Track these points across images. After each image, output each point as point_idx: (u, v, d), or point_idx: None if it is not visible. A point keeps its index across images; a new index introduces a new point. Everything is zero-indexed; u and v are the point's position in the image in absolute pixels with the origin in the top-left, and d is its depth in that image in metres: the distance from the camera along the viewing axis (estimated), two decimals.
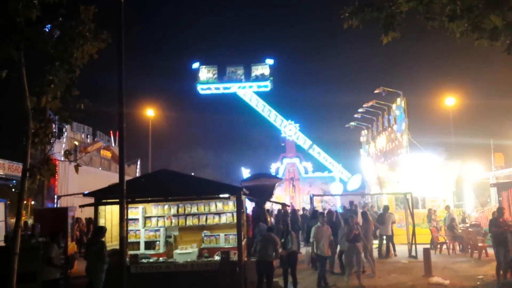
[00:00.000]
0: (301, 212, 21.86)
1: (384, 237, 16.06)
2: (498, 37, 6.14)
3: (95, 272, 9.15)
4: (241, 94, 39.60)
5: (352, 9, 6.35)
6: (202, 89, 40.19)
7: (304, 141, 39.87)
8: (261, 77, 39.63)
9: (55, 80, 5.69)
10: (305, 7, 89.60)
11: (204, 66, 40.09)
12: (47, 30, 5.69)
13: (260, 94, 39.69)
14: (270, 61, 39.98)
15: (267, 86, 39.76)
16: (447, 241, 16.71)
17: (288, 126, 39.61)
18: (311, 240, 11.42)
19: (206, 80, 39.89)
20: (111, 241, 11.41)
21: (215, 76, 39.96)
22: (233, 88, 39.83)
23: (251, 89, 39.77)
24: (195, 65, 40.05)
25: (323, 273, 11.24)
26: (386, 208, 17.01)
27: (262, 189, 14.92)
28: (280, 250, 10.18)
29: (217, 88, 40.08)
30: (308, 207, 23.54)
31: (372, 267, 12.74)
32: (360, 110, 32.27)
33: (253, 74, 39.80)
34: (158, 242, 12.02)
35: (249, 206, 17.54)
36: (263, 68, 39.82)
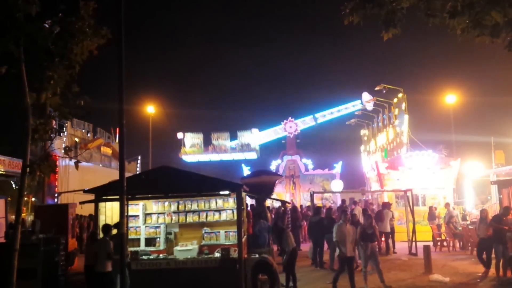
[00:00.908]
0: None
1: (383, 234, 16.07)
2: (499, 34, 6.13)
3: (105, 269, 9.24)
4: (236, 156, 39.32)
5: (353, 5, 6.34)
6: (185, 157, 39.78)
7: (306, 123, 39.98)
8: (247, 147, 39.31)
9: (54, 76, 5.68)
10: (304, 1, 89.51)
11: (189, 134, 39.65)
12: (47, 26, 5.68)
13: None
14: (255, 131, 39.74)
15: (254, 156, 39.76)
16: (447, 238, 16.73)
17: (288, 123, 39.64)
18: (334, 239, 10.56)
19: (192, 150, 39.38)
20: None
21: (201, 143, 39.50)
22: (220, 157, 39.62)
23: (238, 158, 39.57)
24: (180, 135, 39.51)
25: (343, 275, 10.50)
26: (383, 205, 17.05)
27: (262, 186, 14.93)
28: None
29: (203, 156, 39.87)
30: (308, 204, 23.59)
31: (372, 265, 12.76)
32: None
33: (238, 141, 39.42)
34: (158, 239, 12.02)
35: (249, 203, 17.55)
36: (249, 136, 39.50)
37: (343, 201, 20.26)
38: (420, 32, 28.36)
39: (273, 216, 17.77)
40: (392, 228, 16.42)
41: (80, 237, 18.29)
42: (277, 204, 24.18)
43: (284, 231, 10.95)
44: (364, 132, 37.44)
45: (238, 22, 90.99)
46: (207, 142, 39.56)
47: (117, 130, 12.71)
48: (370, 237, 10.89)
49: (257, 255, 10.71)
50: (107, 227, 9.67)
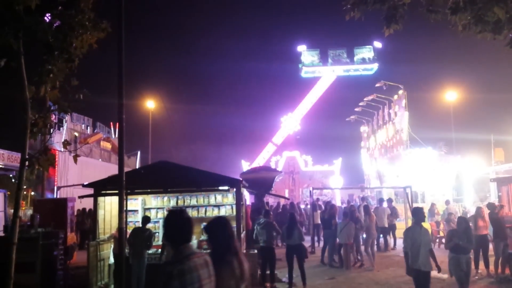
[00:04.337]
0: (302, 205, 22.01)
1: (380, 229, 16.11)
2: (501, 30, 6.10)
3: (141, 257, 9.57)
4: None
5: (355, 0, 6.31)
6: (306, 72, 40.23)
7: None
8: (368, 61, 39.39)
9: (54, 70, 5.64)
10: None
11: (306, 50, 40.09)
12: (47, 20, 5.64)
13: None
14: (378, 44, 39.45)
15: (372, 69, 39.65)
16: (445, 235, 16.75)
17: (289, 119, 39.62)
18: (403, 249, 7.78)
19: (311, 62, 39.89)
20: (111, 232, 11.42)
21: (318, 59, 39.98)
22: (338, 71, 39.78)
23: (356, 72, 39.78)
24: (301, 48, 39.95)
25: None
26: (380, 200, 17.16)
27: (261, 182, 14.91)
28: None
29: (321, 72, 40.14)
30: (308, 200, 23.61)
31: (372, 261, 12.78)
32: (361, 103, 32.24)
33: (356, 58, 39.55)
34: (157, 234, 12.02)
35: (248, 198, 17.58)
36: (369, 52, 39.50)
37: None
38: (421, 28, 28.25)
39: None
40: (393, 225, 16.47)
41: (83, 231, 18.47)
42: (275, 201, 24.22)
43: (296, 225, 11.00)
44: (363, 128, 37.40)
45: (241, 13, 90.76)
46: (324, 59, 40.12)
47: (117, 125, 12.70)
48: (462, 248, 8.79)
49: (255, 251, 10.76)
50: (148, 218, 10.22)
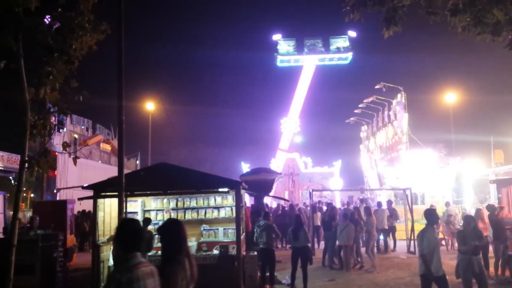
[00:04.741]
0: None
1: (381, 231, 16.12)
2: (500, 32, 6.11)
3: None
4: None
5: (354, 2, 6.32)
6: (281, 61, 40.12)
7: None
8: (343, 50, 39.36)
9: (53, 72, 5.64)
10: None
11: (282, 39, 40.00)
12: (46, 21, 5.64)
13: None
14: (352, 33, 39.52)
15: (347, 58, 39.68)
16: (445, 237, 16.74)
17: (289, 121, 39.60)
18: (419, 252, 7.42)
19: (286, 52, 39.81)
20: (110, 234, 11.40)
21: (294, 49, 39.86)
22: (313, 60, 39.61)
23: (331, 61, 39.81)
24: (276, 37, 39.82)
25: None
26: (379, 203, 17.19)
27: (261, 183, 14.90)
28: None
29: (297, 61, 40.02)
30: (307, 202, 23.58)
31: (373, 262, 12.77)
32: (360, 105, 32.25)
33: (331, 47, 39.59)
34: (157, 236, 11.98)
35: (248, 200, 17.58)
36: (344, 42, 39.55)
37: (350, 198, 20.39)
38: (421, 30, 28.30)
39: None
40: (393, 227, 16.47)
41: (83, 233, 18.47)
42: (275, 202, 24.20)
43: (302, 227, 11.02)
44: (363, 130, 37.43)
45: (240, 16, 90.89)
46: (300, 49, 39.91)
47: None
48: (474, 249, 8.28)
49: (255, 253, 10.76)
50: (149, 220, 10.44)
